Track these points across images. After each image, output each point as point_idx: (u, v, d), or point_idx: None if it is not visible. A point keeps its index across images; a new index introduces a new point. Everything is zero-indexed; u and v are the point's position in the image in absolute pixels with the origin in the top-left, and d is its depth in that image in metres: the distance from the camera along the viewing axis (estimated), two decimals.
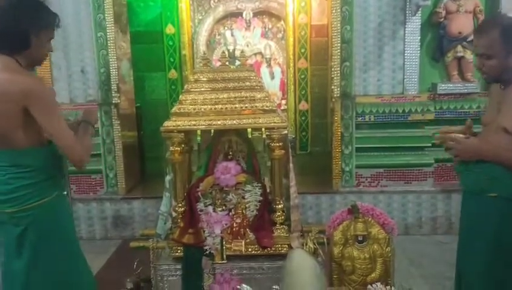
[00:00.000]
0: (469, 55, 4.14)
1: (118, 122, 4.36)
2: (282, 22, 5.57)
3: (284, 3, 5.21)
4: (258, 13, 5.63)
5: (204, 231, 2.46)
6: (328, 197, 4.33)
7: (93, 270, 2.48)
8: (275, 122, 2.48)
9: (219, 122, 2.50)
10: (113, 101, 4.32)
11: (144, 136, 5.15)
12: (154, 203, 4.12)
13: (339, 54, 4.15)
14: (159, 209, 2.61)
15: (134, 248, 2.61)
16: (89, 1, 4.19)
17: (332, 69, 4.22)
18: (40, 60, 2.08)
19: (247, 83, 2.60)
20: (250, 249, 2.48)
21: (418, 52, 4.17)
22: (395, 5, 4.08)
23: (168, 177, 2.59)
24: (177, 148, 2.53)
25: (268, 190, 2.65)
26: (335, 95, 4.21)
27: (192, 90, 2.60)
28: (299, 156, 5.21)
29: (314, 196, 4.34)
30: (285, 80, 5.51)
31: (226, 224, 2.47)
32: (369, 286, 2.21)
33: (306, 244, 2.41)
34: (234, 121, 2.50)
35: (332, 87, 4.24)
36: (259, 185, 2.60)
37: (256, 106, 2.53)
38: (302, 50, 5.22)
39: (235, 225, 2.52)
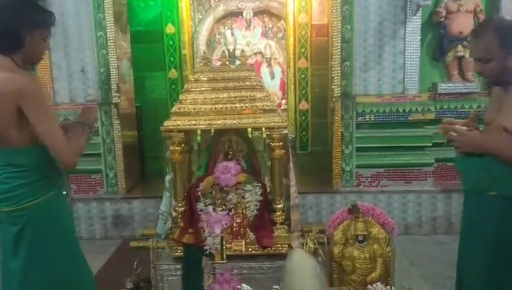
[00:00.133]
0: (469, 55, 4.13)
1: (118, 121, 4.36)
2: (282, 22, 5.56)
3: (285, 3, 5.21)
4: (258, 13, 5.63)
5: (204, 231, 2.46)
6: (328, 197, 4.33)
7: (93, 270, 2.47)
8: (275, 122, 2.48)
9: (219, 122, 2.50)
10: (113, 101, 4.31)
11: (144, 136, 5.15)
12: (154, 203, 4.12)
13: (339, 53, 4.15)
14: (159, 209, 2.61)
15: (134, 248, 2.61)
16: (89, 1, 4.18)
17: (333, 69, 4.22)
18: (36, 58, 2.07)
19: (248, 83, 2.60)
20: (250, 249, 2.49)
21: (419, 51, 4.17)
22: (395, 4, 4.08)
23: (168, 177, 2.59)
24: (177, 147, 2.53)
25: (268, 190, 2.65)
26: (335, 95, 4.21)
27: (192, 89, 2.60)
28: (299, 155, 5.20)
29: (314, 196, 4.34)
30: (286, 80, 5.51)
31: (226, 224, 2.47)
32: (369, 286, 2.21)
33: (306, 244, 2.41)
34: (234, 121, 2.50)
35: (333, 86, 4.24)
36: (260, 184, 2.60)
37: (256, 106, 2.53)
38: (303, 50, 5.22)
39: (235, 224, 2.51)
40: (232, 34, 5.68)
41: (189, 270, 2.42)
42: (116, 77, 4.29)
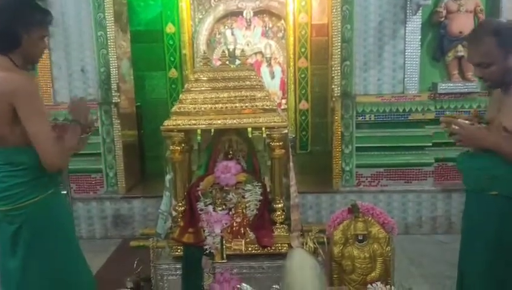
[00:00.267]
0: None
1: (118, 121, 4.36)
2: (282, 21, 5.57)
3: (285, 3, 5.21)
4: (258, 12, 5.63)
5: (204, 230, 2.46)
6: (328, 197, 4.33)
7: (93, 270, 2.48)
8: (275, 122, 2.48)
9: (219, 122, 2.50)
10: (113, 100, 4.32)
11: (144, 136, 5.15)
12: (154, 203, 4.12)
13: (339, 53, 4.15)
14: (159, 208, 2.61)
15: (134, 247, 2.61)
16: (89, 0, 4.18)
17: (333, 69, 4.22)
18: (35, 58, 2.07)
19: (248, 82, 2.60)
20: (250, 249, 2.49)
21: (419, 51, 4.17)
22: (395, 4, 4.08)
23: (168, 177, 2.59)
24: (177, 147, 2.53)
25: (268, 189, 2.65)
26: (335, 95, 4.21)
27: (192, 89, 2.60)
28: (299, 155, 5.20)
29: (314, 196, 4.34)
30: (286, 79, 5.51)
31: (226, 223, 2.47)
32: (369, 286, 2.21)
33: (306, 244, 2.42)
34: (234, 120, 2.50)
35: (333, 86, 4.24)
36: (260, 184, 2.60)
37: (256, 105, 2.54)
38: (303, 49, 5.22)
39: (235, 224, 2.52)
40: (232, 34, 5.69)
41: (189, 270, 2.43)
42: (117, 76, 4.29)
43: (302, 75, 5.27)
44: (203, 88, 2.60)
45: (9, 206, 1.96)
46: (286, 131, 2.54)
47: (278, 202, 2.58)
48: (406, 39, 4.12)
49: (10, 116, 1.90)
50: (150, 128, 5.03)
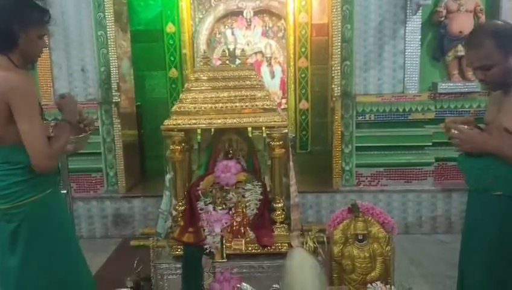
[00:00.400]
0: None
1: (118, 121, 4.36)
2: (282, 21, 5.56)
3: (285, 2, 5.21)
4: (258, 12, 5.63)
5: (204, 230, 2.46)
6: (328, 196, 4.33)
7: (93, 269, 2.48)
8: (275, 121, 2.48)
9: (219, 121, 2.50)
10: (114, 100, 4.32)
11: (144, 135, 5.15)
12: (154, 202, 4.12)
13: (339, 53, 4.15)
14: (159, 208, 2.62)
15: (135, 247, 2.61)
16: (89, 0, 4.19)
17: (333, 68, 4.22)
18: (34, 57, 2.06)
19: (248, 82, 2.60)
20: (250, 248, 2.49)
21: (419, 51, 4.17)
22: (395, 4, 4.08)
23: (168, 176, 2.60)
24: (177, 146, 2.53)
25: (268, 189, 2.65)
26: (335, 94, 4.21)
27: (192, 89, 2.60)
28: (299, 155, 5.21)
29: (314, 195, 4.34)
30: (286, 79, 5.51)
31: (226, 223, 2.48)
32: (369, 285, 2.21)
33: (306, 243, 2.42)
34: (234, 120, 2.50)
35: (333, 86, 4.24)
36: (260, 183, 2.60)
37: (256, 105, 2.54)
38: (303, 49, 5.22)
39: (235, 223, 2.52)
40: (233, 34, 5.69)
41: (189, 269, 2.43)
42: (117, 76, 4.29)
43: (302, 75, 5.27)
44: (203, 88, 2.60)
45: (8, 204, 1.96)
46: (286, 130, 2.54)
47: (278, 201, 2.58)
48: (406, 39, 4.12)
49: (7, 115, 1.89)
50: (150, 127, 5.04)
